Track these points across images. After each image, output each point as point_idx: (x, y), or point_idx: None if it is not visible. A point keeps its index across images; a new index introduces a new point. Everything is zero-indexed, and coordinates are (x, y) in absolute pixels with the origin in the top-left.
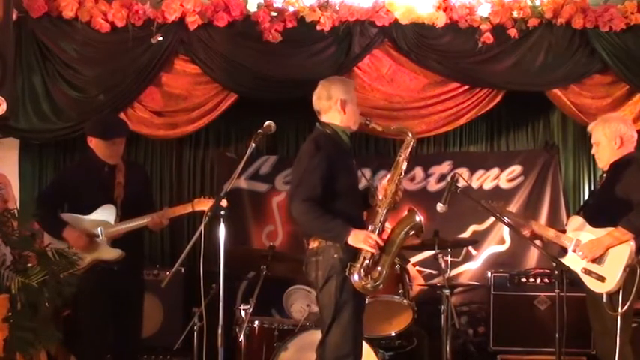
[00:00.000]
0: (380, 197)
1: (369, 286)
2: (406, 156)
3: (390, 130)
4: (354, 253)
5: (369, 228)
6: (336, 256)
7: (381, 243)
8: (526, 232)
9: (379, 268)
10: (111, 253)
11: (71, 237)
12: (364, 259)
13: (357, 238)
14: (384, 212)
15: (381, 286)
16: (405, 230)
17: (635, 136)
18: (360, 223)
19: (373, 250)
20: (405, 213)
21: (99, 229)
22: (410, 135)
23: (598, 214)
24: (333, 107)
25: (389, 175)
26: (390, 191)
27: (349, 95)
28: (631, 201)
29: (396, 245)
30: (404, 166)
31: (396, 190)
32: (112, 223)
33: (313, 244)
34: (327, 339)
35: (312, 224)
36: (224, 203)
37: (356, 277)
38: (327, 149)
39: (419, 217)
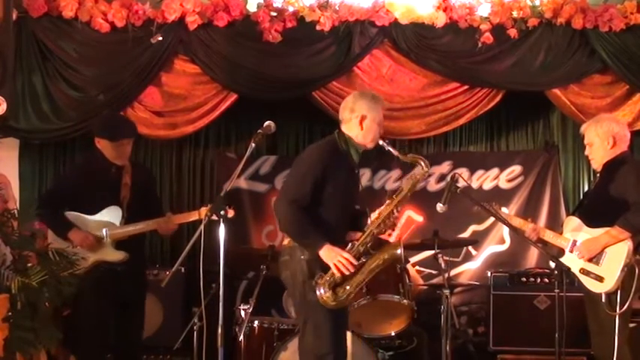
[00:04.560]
0: (372, 218)
1: (331, 302)
2: (413, 186)
3: (406, 158)
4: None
5: (348, 246)
6: (302, 257)
7: (354, 262)
8: (532, 236)
9: (347, 287)
10: (115, 255)
11: (77, 238)
12: (333, 274)
13: (328, 255)
14: (370, 233)
15: (346, 303)
16: (385, 258)
17: (628, 135)
18: (338, 238)
19: (337, 273)
20: (392, 242)
21: (104, 230)
22: (423, 167)
23: (594, 214)
24: (353, 120)
25: (388, 200)
26: (383, 213)
27: (372, 113)
28: (626, 200)
29: (370, 269)
30: (408, 196)
31: (389, 215)
32: (117, 224)
33: (285, 241)
34: (304, 339)
35: (292, 227)
36: (231, 213)
37: (321, 290)
38: (327, 159)
39: (400, 250)
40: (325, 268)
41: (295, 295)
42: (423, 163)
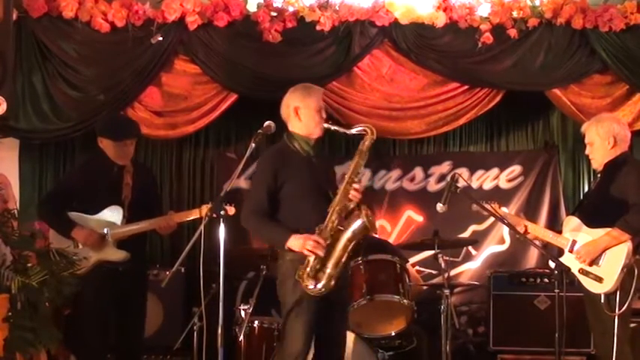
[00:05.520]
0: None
1: (316, 290)
2: (361, 153)
3: (351, 130)
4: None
5: (318, 229)
6: (287, 258)
7: (323, 243)
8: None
9: (327, 270)
10: (117, 255)
11: (81, 235)
12: (308, 262)
13: (297, 244)
14: (334, 211)
15: (332, 284)
16: (352, 229)
17: (629, 135)
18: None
19: (309, 254)
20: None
21: (105, 229)
22: (369, 131)
23: (594, 214)
24: (291, 114)
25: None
26: (340, 190)
27: (305, 101)
28: (626, 201)
29: (343, 245)
30: (360, 165)
31: (348, 189)
32: (119, 224)
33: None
34: (283, 338)
35: (258, 233)
36: (231, 210)
37: (305, 282)
38: (275, 163)
39: (363, 219)
40: None
41: (280, 296)
42: (368, 130)
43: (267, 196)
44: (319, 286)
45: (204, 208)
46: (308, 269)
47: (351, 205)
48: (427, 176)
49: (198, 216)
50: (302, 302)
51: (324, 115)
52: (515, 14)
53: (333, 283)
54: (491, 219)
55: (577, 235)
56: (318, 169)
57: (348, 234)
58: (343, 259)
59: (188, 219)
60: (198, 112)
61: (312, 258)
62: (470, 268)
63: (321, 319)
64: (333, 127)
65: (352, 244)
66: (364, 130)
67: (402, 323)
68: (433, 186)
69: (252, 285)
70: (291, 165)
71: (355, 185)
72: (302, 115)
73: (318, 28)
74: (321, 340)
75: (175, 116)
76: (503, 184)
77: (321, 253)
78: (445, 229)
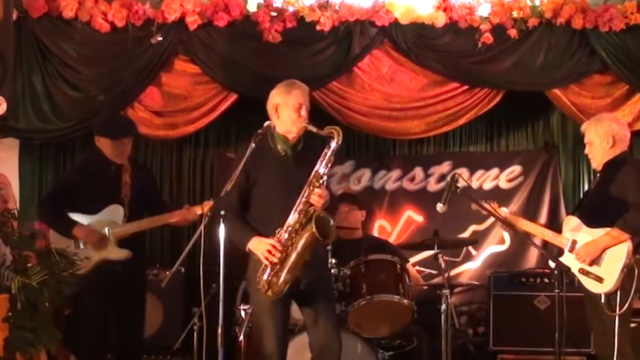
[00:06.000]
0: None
1: (270, 294)
2: (325, 157)
3: (323, 132)
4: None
5: (277, 232)
6: (255, 258)
7: (279, 249)
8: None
9: (282, 274)
10: (118, 254)
11: (82, 234)
12: (266, 266)
13: (256, 247)
14: (294, 216)
15: (285, 289)
16: (305, 236)
17: (628, 135)
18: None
19: (265, 262)
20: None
21: (106, 229)
22: (335, 133)
23: (593, 214)
24: (272, 112)
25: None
26: (303, 193)
27: (283, 98)
28: (626, 201)
29: (297, 251)
30: (323, 169)
31: (310, 194)
32: (120, 222)
33: None
34: (258, 339)
35: (227, 232)
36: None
37: (263, 284)
38: (249, 160)
39: (309, 231)
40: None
41: (249, 297)
42: (335, 132)
43: (237, 195)
44: (274, 289)
45: (207, 205)
46: (265, 275)
47: (311, 210)
48: (427, 176)
49: (201, 212)
50: (267, 303)
51: (304, 114)
52: (515, 14)
53: (286, 288)
54: (492, 219)
55: (577, 235)
56: (293, 169)
57: (302, 241)
58: (299, 265)
59: (198, 213)
60: (198, 112)
61: (267, 263)
62: (470, 268)
63: (307, 310)
64: (309, 127)
65: (307, 250)
66: (331, 132)
67: (402, 323)
68: (433, 186)
69: None
70: (264, 164)
71: (317, 190)
72: (281, 112)
73: (318, 28)
74: (313, 328)
75: (175, 116)
76: (504, 184)
77: (273, 259)
78: (445, 229)
